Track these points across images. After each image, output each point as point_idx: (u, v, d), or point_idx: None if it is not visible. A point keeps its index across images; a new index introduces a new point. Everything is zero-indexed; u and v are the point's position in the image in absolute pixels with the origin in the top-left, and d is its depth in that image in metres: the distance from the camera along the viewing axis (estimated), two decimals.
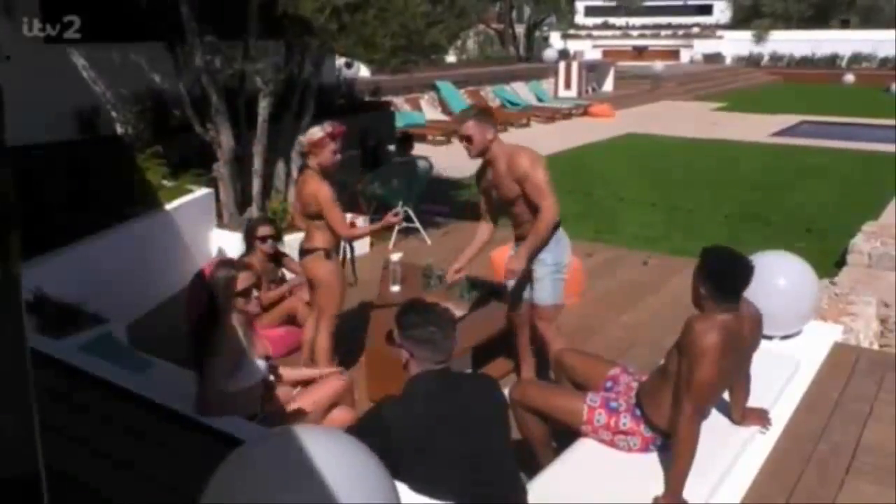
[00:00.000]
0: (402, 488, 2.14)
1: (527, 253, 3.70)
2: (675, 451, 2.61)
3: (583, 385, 3.20)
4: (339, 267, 4.11)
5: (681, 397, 2.60)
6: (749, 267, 2.74)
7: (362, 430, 2.43)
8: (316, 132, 3.98)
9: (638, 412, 2.91)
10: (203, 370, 2.92)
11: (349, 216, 6.75)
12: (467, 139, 3.72)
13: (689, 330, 2.64)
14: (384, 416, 2.42)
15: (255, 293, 3.09)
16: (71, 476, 2.50)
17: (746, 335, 2.77)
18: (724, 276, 2.72)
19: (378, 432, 2.33)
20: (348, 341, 4.55)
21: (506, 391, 2.80)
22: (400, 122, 12.47)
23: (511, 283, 3.98)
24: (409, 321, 2.51)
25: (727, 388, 2.96)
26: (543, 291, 3.77)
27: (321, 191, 3.93)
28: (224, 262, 3.27)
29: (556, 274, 3.76)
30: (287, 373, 3.51)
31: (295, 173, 6.51)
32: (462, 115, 3.91)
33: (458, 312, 4.42)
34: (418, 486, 2.31)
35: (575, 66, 22.14)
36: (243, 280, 3.04)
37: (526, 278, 3.88)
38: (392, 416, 2.39)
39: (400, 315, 2.56)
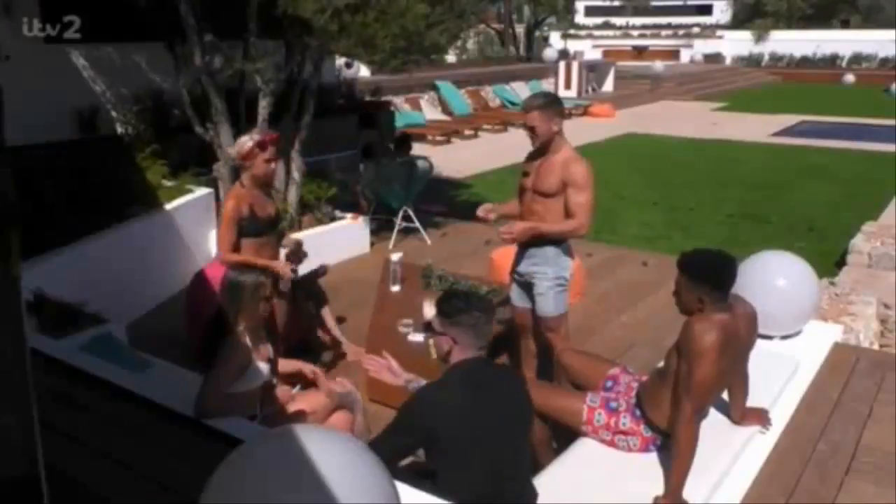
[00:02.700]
0: (403, 488, 2.14)
1: (533, 229, 3.63)
2: (674, 451, 2.61)
3: (583, 385, 3.20)
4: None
5: (680, 397, 2.60)
6: (735, 261, 2.80)
7: (400, 420, 2.44)
8: (244, 142, 3.76)
9: (638, 412, 2.91)
10: (209, 373, 2.92)
11: (349, 216, 6.79)
12: (531, 129, 3.59)
13: (689, 330, 2.64)
14: (425, 402, 2.44)
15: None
16: (71, 476, 2.50)
17: (743, 334, 2.78)
18: (720, 276, 2.74)
19: (420, 417, 2.37)
20: (349, 341, 4.55)
21: None
22: (400, 122, 12.47)
23: (513, 287, 3.98)
24: (453, 308, 2.52)
25: (726, 387, 2.96)
26: (547, 304, 3.75)
27: (225, 204, 3.75)
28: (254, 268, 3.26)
29: (558, 287, 3.73)
30: (282, 364, 3.47)
31: (296, 174, 6.52)
32: (529, 101, 3.68)
33: None
34: (451, 473, 2.34)
35: (575, 66, 22.14)
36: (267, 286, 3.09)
37: (526, 287, 3.88)
38: (434, 399, 2.42)
39: (442, 302, 2.57)
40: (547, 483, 2.75)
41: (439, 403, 2.39)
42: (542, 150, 3.69)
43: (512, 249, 4.05)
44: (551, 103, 3.65)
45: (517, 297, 3.97)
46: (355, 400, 3.34)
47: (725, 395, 3.11)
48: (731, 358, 2.73)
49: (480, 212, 3.87)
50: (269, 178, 3.93)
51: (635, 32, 38.57)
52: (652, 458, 2.86)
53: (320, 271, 4.56)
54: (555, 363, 3.49)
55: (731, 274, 2.76)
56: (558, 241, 3.71)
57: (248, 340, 3.00)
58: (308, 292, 4.49)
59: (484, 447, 2.37)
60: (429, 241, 6.98)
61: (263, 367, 3.07)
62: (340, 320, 4.75)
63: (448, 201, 9.03)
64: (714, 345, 2.58)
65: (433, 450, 2.39)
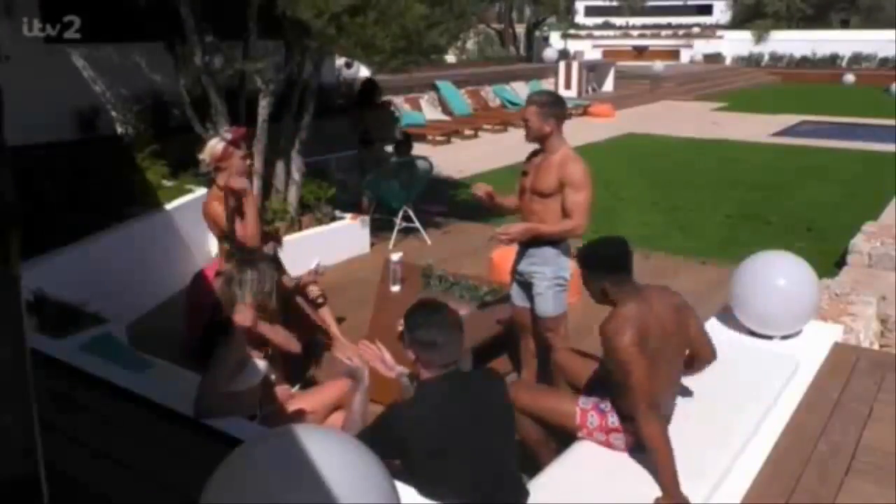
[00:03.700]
0: (404, 488, 2.14)
1: (531, 230, 3.68)
2: (650, 451, 2.62)
3: (579, 385, 3.21)
4: None
5: (630, 400, 2.62)
6: (625, 241, 2.90)
7: (375, 434, 2.41)
8: (217, 145, 3.70)
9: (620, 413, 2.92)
10: (207, 372, 2.92)
11: (349, 216, 6.79)
12: (525, 122, 3.70)
13: (603, 337, 2.68)
14: (397, 421, 2.41)
15: None
16: (71, 476, 2.50)
17: (668, 324, 2.78)
18: (612, 259, 2.83)
19: (391, 439, 2.33)
20: (349, 342, 4.55)
21: None
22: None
23: (513, 287, 3.99)
24: (414, 322, 2.50)
25: (675, 370, 2.93)
26: (545, 304, 3.76)
27: (209, 207, 3.74)
28: (260, 259, 3.25)
29: (557, 287, 3.74)
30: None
31: (296, 174, 6.52)
32: (532, 96, 3.82)
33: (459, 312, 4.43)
34: (425, 488, 2.31)
35: (575, 66, 22.11)
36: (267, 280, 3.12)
37: (526, 286, 3.88)
38: (405, 421, 2.39)
39: (407, 315, 2.55)
40: (546, 484, 2.75)
41: (410, 424, 2.37)
42: (540, 150, 3.73)
43: (512, 249, 4.06)
44: (551, 104, 3.68)
45: (517, 296, 3.98)
46: (361, 378, 3.31)
47: (719, 398, 3.12)
48: (660, 342, 2.71)
49: (478, 189, 3.91)
50: (247, 175, 3.89)
51: (635, 32, 38.55)
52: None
53: (318, 271, 4.56)
54: (552, 364, 3.49)
55: (620, 253, 2.83)
56: (557, 241, 3.72)
57: (243, 337, 2.99)
58: (307, 292, 4.49)
59: (458, 461, 2.36)
60: (429, 241, 6.98)
61: (261, 364, 3.06)
62: (340, 320, 4.75)
63: (448, 201, 9.02)
64: (630, 342, 2.60)
65: (406, 462, 2.38)
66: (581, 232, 3.68)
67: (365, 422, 2.73)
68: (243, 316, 3.03)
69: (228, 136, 3.72)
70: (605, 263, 2.83)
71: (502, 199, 3.96)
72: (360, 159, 7.93)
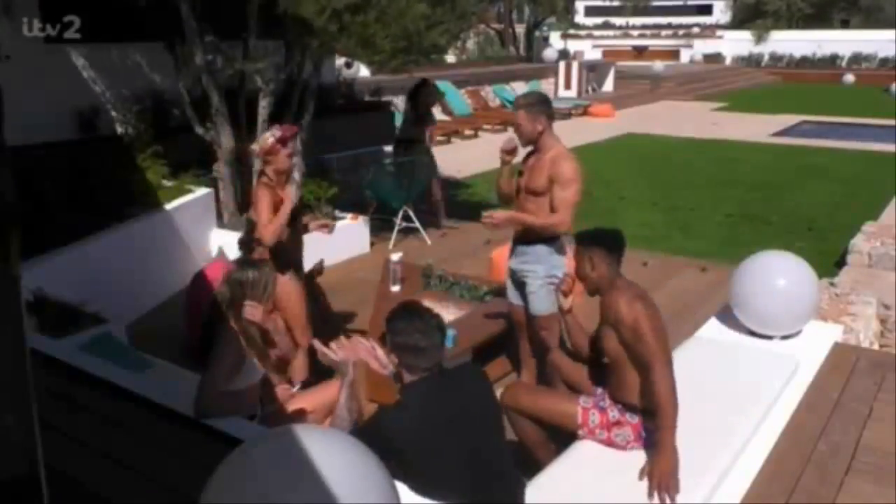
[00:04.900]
0: (404, 489, 2.14)
1: (517, 218, 3.74)
2: (660, 408, 2.64)
3: (575, 385, 3.21)
4: (294, 280, 3.93)
5: (650, 362, 2.68)
6: (620, 231, 3.10)
7: (365, 437, 2.41)
8: (267, 139, 3.90)
9: (619, 404, 2.93)
10: (206, 371, 2.92)
11: (349, 216, 6.78)
12: (517, 126, 3.74)
13: (606, 305, 2.88)
14: (385, 425, 2.40)
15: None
16: (71, 476, 2.50)
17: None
18: (610, 240, 2.99)
19: (381, 442, 2.32)
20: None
21: (499, 392, 2.82)
22: (400, 122, 12.42)
23: (509, 285, 4.00)
24: (395, 327, 2.50)
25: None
26: (539, 302, 3.77)
27: (257, 193, 3.86)
28: (254, 262, 3.26)
29: (550, 285, 3.75)
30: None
31: (296, 174, 6.50)
32: (518, 100, 3.88)
33: (458, 312, 4.43)
34: (423, 490, 2.31)
35: (575, 66, 22.12)
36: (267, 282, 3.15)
37: (520, 285, 3.88)
38: (393, 425, 2.38)
39: (389, 319, 2.56)
40: (546, 483, 2.75)
41: (396, 427, 2.37)
42: (535, 150, 3.77)
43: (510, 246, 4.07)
44: (538, 104, 3.75)
45: (512, 294, 4.00)
46: (345, 372, 3.30)
47: (720, 398, 3.11)
48: (658, 314, 2.88)
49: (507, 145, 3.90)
50: (290, 172, 4.07)
51: (635, 32, 38.54)
52: (649, 454, 2.86)
53: (316, 269, 4.56)
54: (547, 364, 3.49)
55: (616, 236, 3.02)
56: (550, 238, 3.73)
57: (239, 336, 2.99)
58: (307, 292, 4.49)
59: (454, 459, 2.36)
60: (429, 241, 6.98)
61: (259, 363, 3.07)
62: (341, 318, 4.76)
63: (448, 201, 9.02)
64: (636, 300, 2.77)
65: (399, 464, 2.37)
66: (565, 228, 3.70)
67: (353, 416, 2.72)
68: (254, 312, 3.05)
69: (278, 133, 3.91)
70: (599, 238, 3.00)
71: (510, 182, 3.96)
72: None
